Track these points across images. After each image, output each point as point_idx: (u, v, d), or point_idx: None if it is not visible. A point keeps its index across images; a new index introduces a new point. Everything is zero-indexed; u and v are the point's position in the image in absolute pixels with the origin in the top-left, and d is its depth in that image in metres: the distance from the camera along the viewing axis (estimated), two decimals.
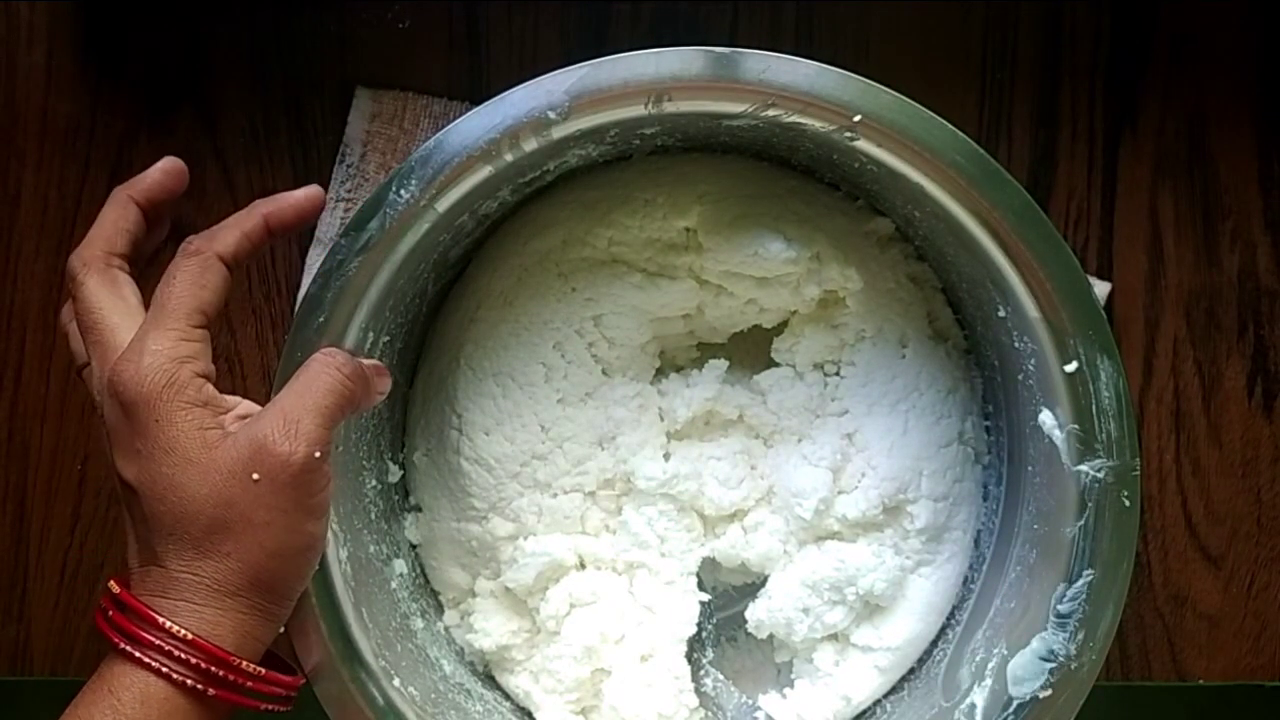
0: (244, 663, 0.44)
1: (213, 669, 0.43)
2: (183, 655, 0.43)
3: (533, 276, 0.58)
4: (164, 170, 0.50)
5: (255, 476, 0.44)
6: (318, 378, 0.47)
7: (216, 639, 0.44)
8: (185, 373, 0.45)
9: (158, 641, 0.43)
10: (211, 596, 0.44)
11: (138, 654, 0.43)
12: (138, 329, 0.46)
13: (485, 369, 0.58)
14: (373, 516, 0.57)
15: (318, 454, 0.45)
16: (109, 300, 0.47)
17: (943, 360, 0.59)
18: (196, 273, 0.47)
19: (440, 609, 0.61)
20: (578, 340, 0.58)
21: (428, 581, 0.62)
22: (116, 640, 0.43)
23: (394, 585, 0.58)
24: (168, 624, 0.43)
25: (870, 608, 0.59)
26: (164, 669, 0.43)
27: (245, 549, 0.44)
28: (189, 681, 0.43)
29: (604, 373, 0.59)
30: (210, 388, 0.46)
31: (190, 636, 0.43)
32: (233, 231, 0.48)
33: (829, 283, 0.58)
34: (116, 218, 0.48)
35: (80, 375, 0.49)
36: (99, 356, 0.46)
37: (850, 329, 0.59)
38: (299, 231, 0.60)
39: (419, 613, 0.59)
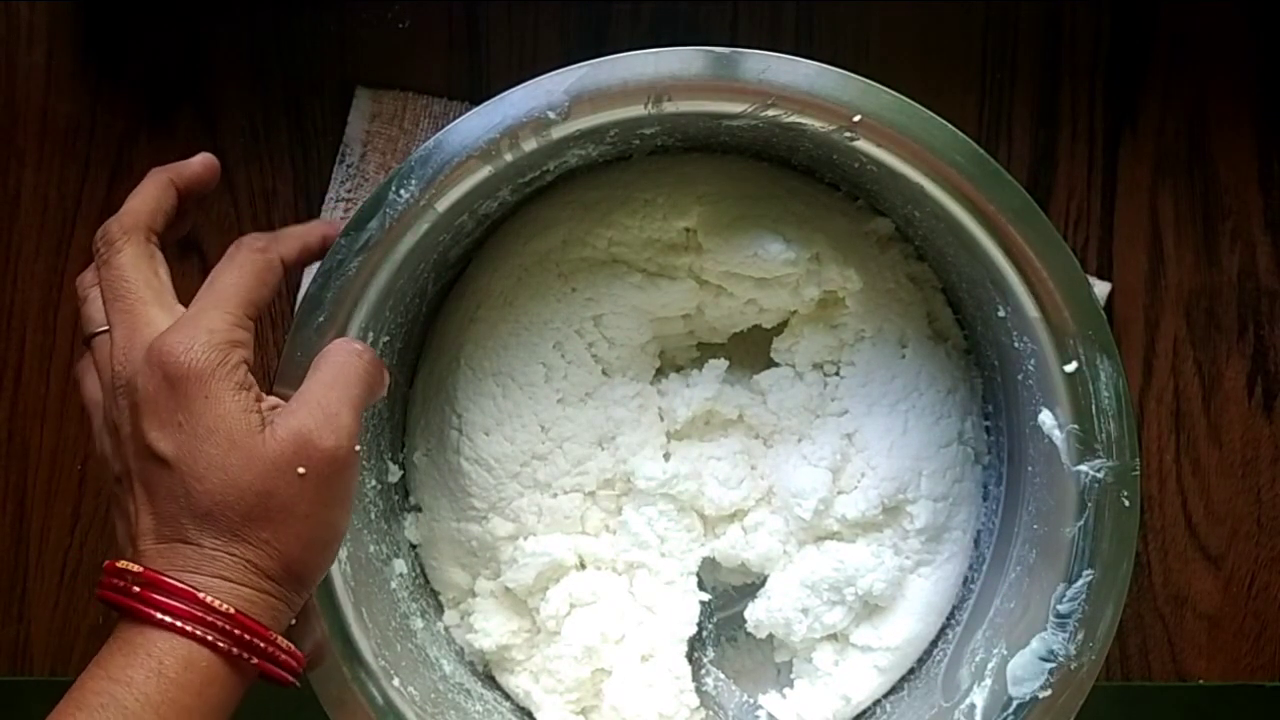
0: (278, 638, 0.45)
1: (254, 640, 0.44)
2: (225, 626, 0.43)
3: (533, 276, 0.58)
4: (203, 163, 0.51)
5: (301, 470, 0.44)
6: (346, 368, 0.47)
7: (255, 615, 0.44)
8: (236, 356, 0.45)
9: (199, 614, 0.43)
10: (249, 576, 0.44)
11: (179, 624, 0.43)
12: (194, 308, 0.46)
13: (485, 369, 0.58)
14: (373, 516, 0.57)
15: (357, 447, 0.45)
16: (145, 273, 0.47)
17: (943, 360, 0.59)
18: (261, 268, 0.47)
19: (440, 609, 0.61)
20: (578, 340, 0.58)
21: (427, 581, 0.62)
22: (151, 613, 0.43)
23: (394, 585, 0.58)
24: (208, 599, 0.43)
25: (870, 608, 0.59)
26: (208, 637, 0.43)
27: (283, 540, 0.44)
28: (234, 650, 0.43)
29: (604, 373, 0.59)
30: (252, 376, 0.46)
31: (233, 612, 0.43)
32: (295, 241, 0.49)
33: (828, 283, 0.58)
34: (159, 196, 0.49)
35: (88, 344, 0.48)
36: (125, 326, 0.46)
37: (850, 329, 0.59)
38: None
39: (419, 613, 0.59)
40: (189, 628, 0.43)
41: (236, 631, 0.43)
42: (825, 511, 0.58)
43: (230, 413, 0.44)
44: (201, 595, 0.43)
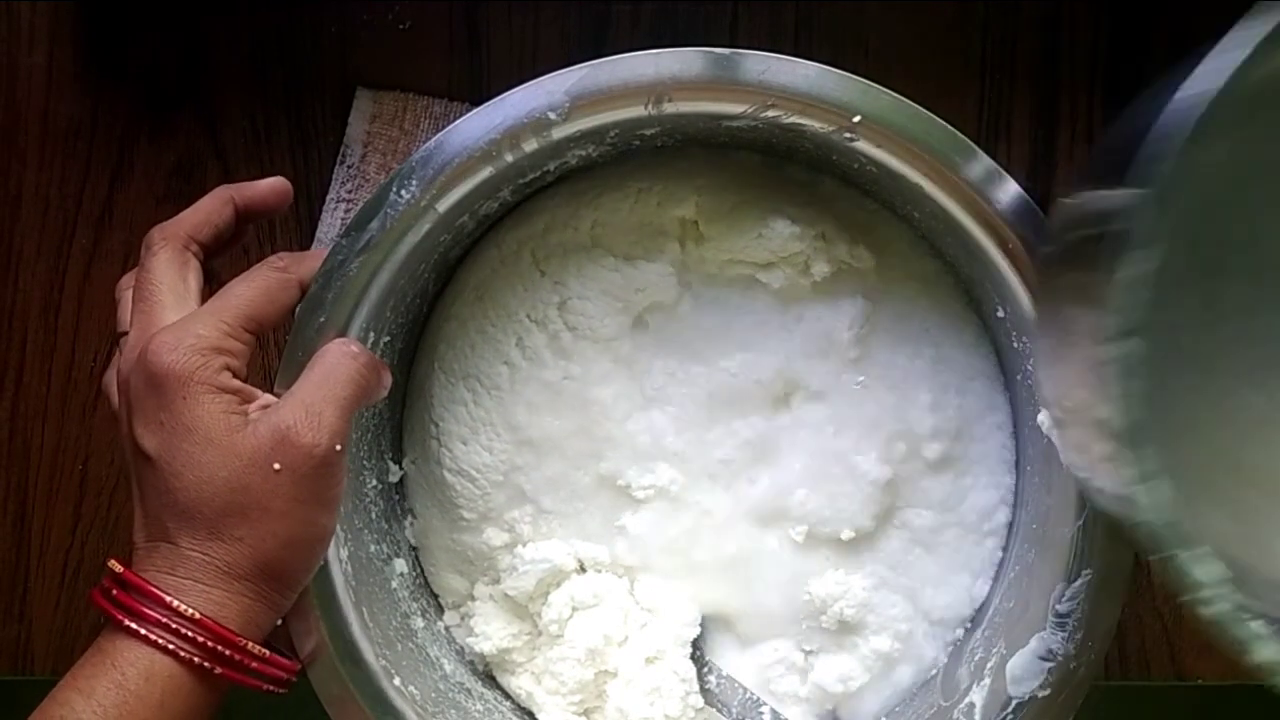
0: (249, 644, 0.45)
1: (219, 648, 0.44)
2: (189, 634, 0.43)
3: (507, 267, 0.57)
4: (271, 187, 0.51)
5: (277, 466, 0.44)
6: (337, 368, 0.47)
7: (223, 619, 0.44)
8: (218, 362, 0.45)
9: (164, 620, 0.43)
10: (220, 578, 0.44)
11: (144, 631, 0.43)
12: (192, 313, 0.47)
13: (456, 372, 0.57)
14: (373, 516, 0.57)
15: (338, 446, 0.45)
16: (171, 278, 0.48)
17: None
18: (275, 288, 0.48)
19: (441, 609, 0.61)
20: (538, 334, 0.57)
21: (428, 581, 0.61)
22: (120, 617, 0.43)
23: (394, 585, 0.58)
24: (175, 603, 0.43)
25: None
26: (170, 645, 0.43)
27: (258, 536, 0.44)
28: (195, 659, 0.43)
29: (572, 372, 0.57)
30: (238, 380, 0.46)
31: (198, 616, 0.43)
32: (316, 262, 0.50)
33: (839, 259, 0.57)
34: (211, 210, 0.50)
35: (118, 344, 0.49)
36: (140, 325, 0.47)
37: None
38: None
39: (419, 612, 0.59)
40: (153, 634, 0.43)
41: (201, 638, 0.43)
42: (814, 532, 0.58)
43: (209, 413, 0.44)
44: (169, 599, 0.43)
